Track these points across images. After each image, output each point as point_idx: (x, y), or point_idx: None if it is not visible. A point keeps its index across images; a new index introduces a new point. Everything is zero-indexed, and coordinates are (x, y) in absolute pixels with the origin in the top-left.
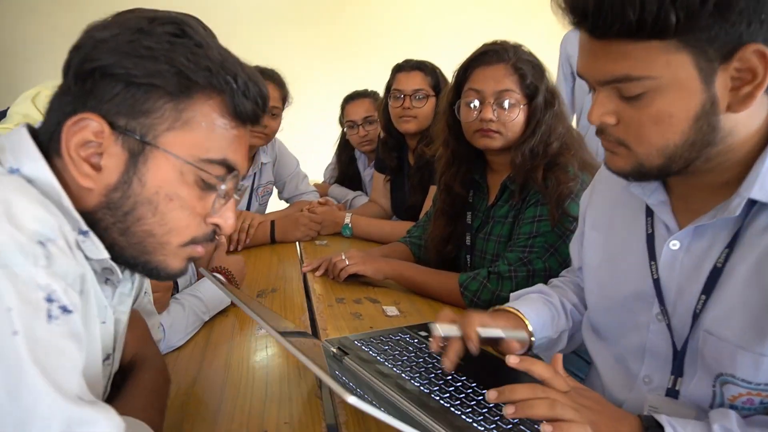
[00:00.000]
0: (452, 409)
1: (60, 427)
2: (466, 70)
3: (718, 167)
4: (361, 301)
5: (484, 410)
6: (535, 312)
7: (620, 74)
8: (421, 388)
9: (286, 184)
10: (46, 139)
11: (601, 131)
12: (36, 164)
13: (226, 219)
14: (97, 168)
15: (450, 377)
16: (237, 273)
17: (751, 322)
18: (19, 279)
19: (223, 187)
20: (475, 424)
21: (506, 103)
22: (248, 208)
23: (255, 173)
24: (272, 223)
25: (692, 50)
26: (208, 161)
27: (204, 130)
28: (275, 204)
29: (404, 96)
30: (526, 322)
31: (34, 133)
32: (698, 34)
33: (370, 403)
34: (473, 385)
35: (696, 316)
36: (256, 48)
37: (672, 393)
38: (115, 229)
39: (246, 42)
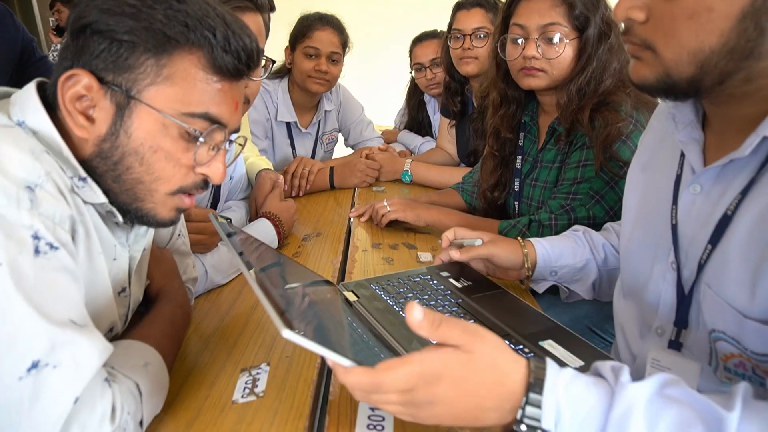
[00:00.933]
0: None
1: (43, 347)
2: (511, 4)
3: (758, 92)
4: (398, 246)
5: None
6: (548, 242)
7: None
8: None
9: (351, 131)
10: (52, 93)
11: (626, 31)
12: (39, 117)
13: (215, 170)
14: (90, 120)
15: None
16: (286, 219)
17: (745, 279)
18: (4, 219)
19: (201, 140)
20: None
21: (553, 38)
22: (313, 155)
23: (319, 120)
24: (331, 169)
25: None
26: (190, 115)
27: (184, 85)
28: (341, 151)
29: (464, 36)
30: (524, 250)
31: (44, 88)
32: None
33: (303, 336)
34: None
35: (701, 267)
36: None
37: (675, 345)
38: (108, 177)
39: None
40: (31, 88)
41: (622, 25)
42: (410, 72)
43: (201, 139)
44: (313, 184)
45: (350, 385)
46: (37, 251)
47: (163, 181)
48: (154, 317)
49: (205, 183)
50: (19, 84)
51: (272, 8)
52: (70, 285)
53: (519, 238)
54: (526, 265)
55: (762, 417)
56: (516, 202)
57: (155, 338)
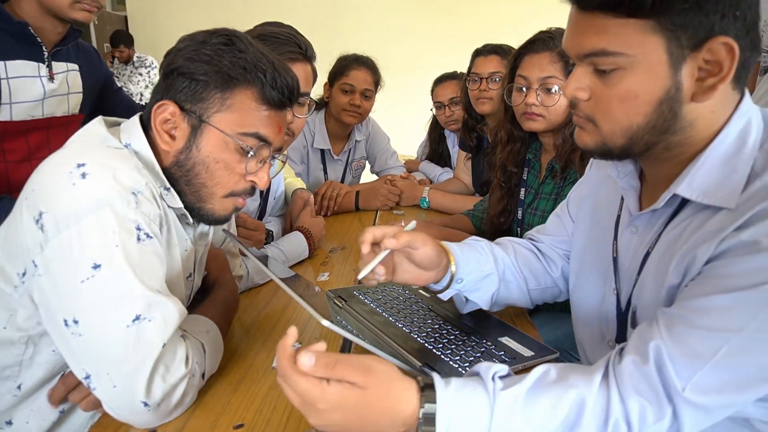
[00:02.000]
0: (427, 344)
1: (143, 306)
2: (517, 57)
3: (675, 157)
4: None
5: (453, 346)
6: (459, 249)
7: (598, 48)
8: (404, 329)
9: (377, 159)
10: (146, 119)
11: (573, 106)
12: (140, 141)
13: (260, 178)
14: (173, 137)
15: (430, 321)
16: (316, 233)
17: (657, 296)
18: (119, 214)
19: (251, 153)
20: (443, 356)
21: (551, 89)
22: (342, 179)
23: (350, 149)
24: (357, 193)
25: (666, 33)
26: (244, 134)
27: (241, 112)
28: (367, 177)
29: (481, 79)
30: (451, 256)
31: (142, 119)
32: (673, 19)
33: (344, 327)
34: (456, 332)
35: (632, 292)
36: (380, 36)
37: None
38: (182, 181)
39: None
40: (135, 119)
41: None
42: (431, 109)
43: (251, 153)
44: (341, 205)
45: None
46: (138, 239)
47: (221, 186)
48: (213, 299)
49: (252, 189)
50: (101, 111)
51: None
52: (159, 265)
53: (444, 245)
54: (451, 268)
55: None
56: (519, 228)
57: (213, 315)
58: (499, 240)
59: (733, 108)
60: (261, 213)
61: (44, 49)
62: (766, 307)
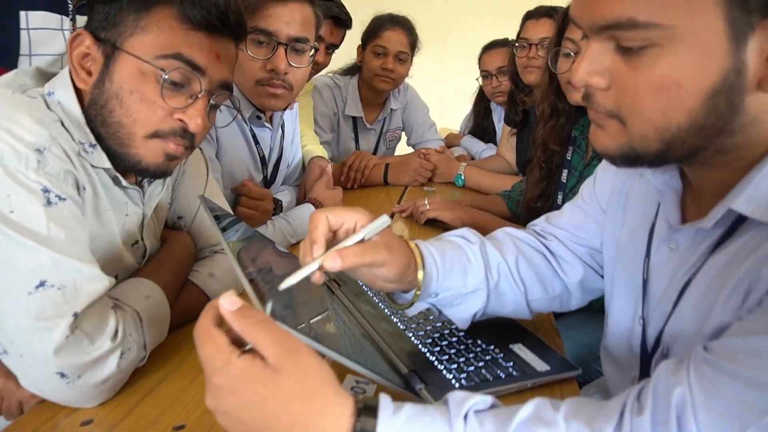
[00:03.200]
0: (421, 347)
1: (47, 271)
2: (566, 17)
3: (732, 163)
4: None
5: (452, 351)
6: (439, 254)
7: (622, 17)
8: (399, 324)
9: (413, 131)
10: None
11: (587, 97)
12: (65, 90)
13: (191, 116)
14: (89, 73)
15: (432, 318)
16: (329, 205)
17: (693, 346)
18: (17, 174)
19: (165, 76)
20: (437, 363)
21: None
22: (375, 150)
23: (385, 118)
24: (387, 165)
25: None
26: (163, 56)
27: (157, 32)
28: (403, 149)
29: (530, 45)
30: (419, 263)
31: None
32: None
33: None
34: (460, 334)
35: (664, 327)
36: None
37: None
38: (98, 122)
39: None
40: (66, 68)
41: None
42: (477, 79)
43: (166, 78)
44: (369, 178)
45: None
46: (48, 202)
47: (139, 123)
48: (160, 257)
49: (183, 130)
50: None
51: (347, 25)
52: (78, 229)
53: (414, 245)
54: (416, 287)
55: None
56: None
57: (160, 274)
58: (497, 235)
59: None
60: (270, 182)
61: (69, 1)
62: None
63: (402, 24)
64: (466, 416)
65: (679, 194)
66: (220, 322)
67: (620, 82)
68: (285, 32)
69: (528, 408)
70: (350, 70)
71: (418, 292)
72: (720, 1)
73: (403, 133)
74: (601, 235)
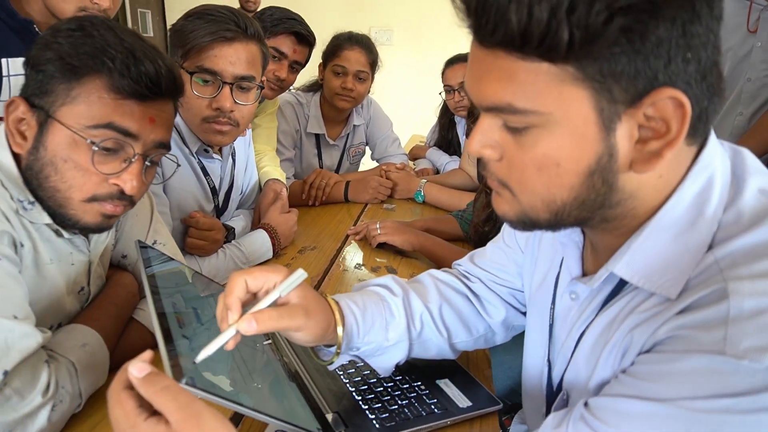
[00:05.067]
0: (349, 386)
1: None
2: None
3: (618, 228)
4: (379, 269)
5: (379, 389)
6: (360, 311)
7: (504, 102)
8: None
9: (377, 146)
10: None
11: (483, 166)
12: (2, 151)
13: (125, 181)
14: (23, 137)
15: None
16: (283, 231)
17: (583, 397)
18: None
19: (95, 147)
20: (362, 403)
21: None
22: (339, 166)
23: (348, 134)
24: (347, 183)
25: (591, 84)
26: (94, 126)
27: (88, 103)
28: (369, 163)
29: (454, 90)
30: (338, 322)
31: None
32: (601, 64)
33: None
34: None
35: (563, 374)
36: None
37: None
38: (35, 185)
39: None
40: (2, 127)
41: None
42: (440, 93)
43: (96, 147)
44: (330, 195)
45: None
46: None
47: (75, 189)
48: (100, 300)
49: (121, 194)
50: None
51: (311, 43)
52: (14, 287)
53: (332, 300)
54: (337, 346)
55: None
56: None
57: (97, 319)
58: (421, 279)
59: (687, 165)
60: (222, 211)
61: None
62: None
63: (361, 43)
64: None
65: (580, 247)
66: (130, 385)
67: (509, 156)
68: (230, 71)
69: None
70: (312, 87)
71: (338, 351)
72: (588, 93)
73: (367, 148)
74: (521, 275)
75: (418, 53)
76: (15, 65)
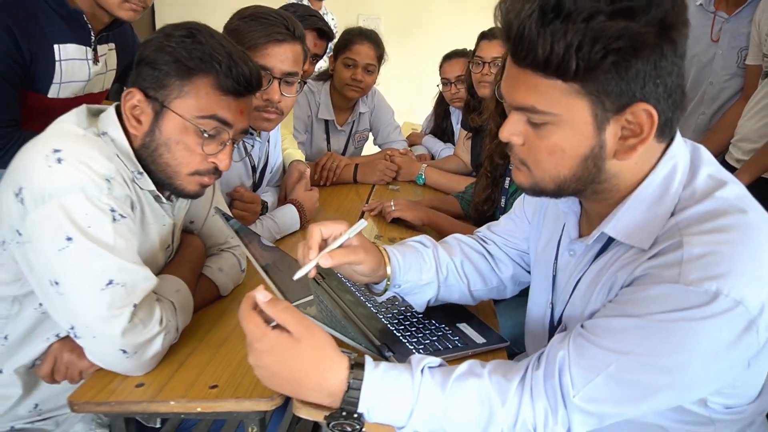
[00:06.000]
0: (389, 326)
1: (114, 272)
2: None
3: (604, 200)
4: (395, 240)
5: (413, 329)
6: (401, 255)
7: (529, 104)
8: (372, 308)
9: (380, 132)
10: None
11: (510, 148)
12: (116, 129)
13: (221, 160)
14: (139, 122)
15: (397, 303)
16: (308, 207)
17: (583, 316)
18: (93, 199)
19: (206, 135)
20: (401, 338)
21: None
22: (345, 150)
23: (354, 120)
24: (356, 166)
25: (590, 97)
26: (201, 117)
27: (197, 98)
28: (370, 148)
29: (484, 63)
30: (386, 262)
31: (118, 108)
32: (597, 85)
33: (319, 302)
34: (419, 316)
35: (563, 311)
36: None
37: None
38: (149, 160)
39: None
40: (112, 109)
41: None
42: (437, 85)
43: (206, 135)
44: (340, 176)
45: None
46: (114, 219)
47: (183, 165)
48: (180, 258)
49: (215, 169)
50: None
51: (330, 37)
52: (133, 240)
53: (382, 248)
54: (387, 279)
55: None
56: (500, 215)
57: (182, 273)
58: (448, 240)
59: (658, 156)
60: (257, 186)
61: (92, 35)
62: (653, 335)
63: (370, 38)
64: (422, 370)
65: (577, 216)
66: (255, 307)
67: (529, 142)
68: (280, 68)
69: (464, 366)
70: (322, 76)
71: (389, 283)
72: (587, 103)
73: (370, 134)
74: (527, 240)
75: (405, 42)
76: (66, 51)
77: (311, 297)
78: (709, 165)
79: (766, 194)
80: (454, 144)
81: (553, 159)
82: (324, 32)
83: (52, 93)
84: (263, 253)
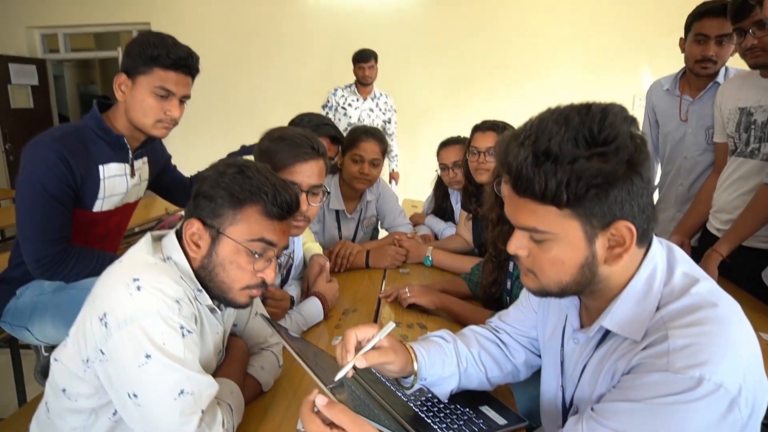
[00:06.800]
0: (419, 413)
1: (184, 383)
2: None
3: (600, 297)
4: (413, 326)
5: (441, 414)
6: (426, 351)
7: (531, 226)
8: (402, 397)
9: (386, 217)
10: (180, 233)
11: (517, 258)
12: (178, 254)
13: (268, 274)
14: (198, 246)
15: (425, 390)
16: (330, 297)
17: (588, 405)
18: (167, 320)
19: (257, 255)
20: (432, 424)
21: None
22: (355, 235)
23: (362, 209)
24: (368, 252)
25: (580, 218)
26: (251, 240)
27: (249, 224)
28: (379, 233)
29: (479, 152)
30: (413, 358)
31: (177, 233)
32: (584, 209)
33: (351, 393)
34: (445, 401)
35: (573, 395)
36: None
37: None
38: (207, 279)
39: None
40: (172, 236)
41: None
42: (436, 170)
43: (257, 255)
44: (352, 263)
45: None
46: (183, 335)
47: (236, 281)
48: (231, 360)
49: (263, 283)
50: (158, 188)
51: (342, 142)
52: (197, 352)
53: (409, 346)
54: (414, 375)
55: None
56: (508, 297)
57: (233, 375)
58: (465, 332)
59: (640, 259)
60: (284, 281)
61: (130, 153)
62: (653, 417)
63: (375, 135)
64: None
65: (578, 308)
66: (313, 408)
67: (534, 254)
68: (307, 182)
69: None
70: (331, 170)
71: (416, 377)
72: (579, 224)
73: (377, 219)
74: (536, 328)
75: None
76: (109, 170)
77: (341, 383)
78: (683, 263)
79: (747, 262)
80: (454, 222)
81: (554, 268)
82: (336, 138)
83: (96, 207)
84: (294, 344)
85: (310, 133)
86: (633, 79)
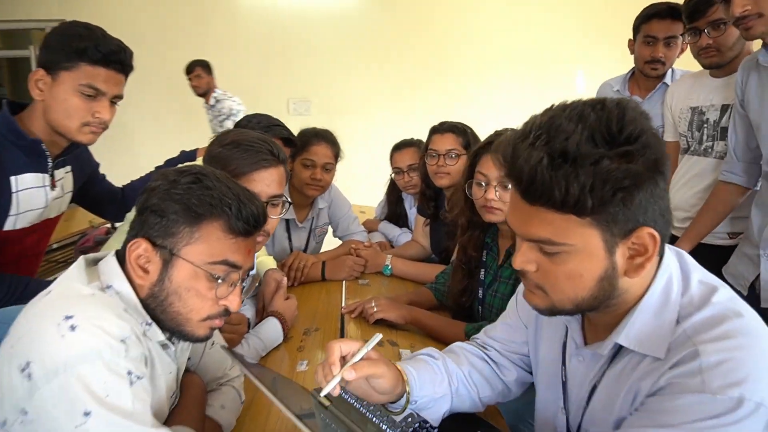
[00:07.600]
0: None
1: None
2: (476, 155)
3: (613, 312)
4: (383, 343)
5: None
6: (416, 371)
7: (544, 237)
8: (381, 425)
9: (339, 225)
10: (122, 255)
11: (522, 274)
12: (120, 281)
13: (231, 301)
14: (146, 271)
15: (410, 419)
16: (289, 316)
17: (607, 423)
18: (111, 364)
19: (220, 281)
20: None
21: (508, 186)
22: (306, 245)
23: (313, 217)
24: (323, 263)
25: (601, 227)
26: (212, 263)
27: (208, 243)
28: (330, 241)
29: (438, 155)
30: (406, 380)
31: (118, 254)
32: (607, 216)
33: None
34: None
35: (582, 415)
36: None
37: None
38: (158, 311)
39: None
40: (111, 259)
41: None
42: (390, 174)
43: (220, 280)
44: (307, 276)
45: None
46: (131, 383)
47: (195, 311)
48: (187, 401)
49: (226, 311)
50: (85, 201)
51: (295, 144)
52: (148, 400)
53: (399, 365)
54: (406, 395)
55: None
56: (480, 307)
57: (189, 419)
58: (453, 348)
59: (655, 268)
60: None
61: (49, 161)
62: None
63: (326, 138)
64: None
65: (579, 322)
66: None
67: (544, 268)
68: (266, 192)
69: None
70: None
71: (409, 398)
72: (599, 232)
73: (329, 227)
74: (527, 343)
75: (335, 123)
76: (23, 181)
77: (312, 410)
78: (696, 270)
79: (706, 258)
80: (408, 227)
81: (571, 283)
82: (290, 140)
83: (8, 225)
84: (254, 372)
85: (267, 138)
86: (573, 80)
